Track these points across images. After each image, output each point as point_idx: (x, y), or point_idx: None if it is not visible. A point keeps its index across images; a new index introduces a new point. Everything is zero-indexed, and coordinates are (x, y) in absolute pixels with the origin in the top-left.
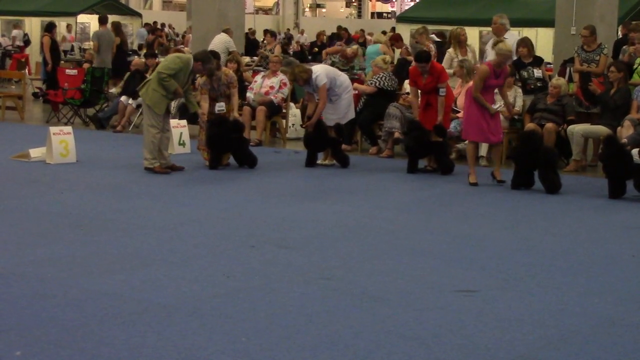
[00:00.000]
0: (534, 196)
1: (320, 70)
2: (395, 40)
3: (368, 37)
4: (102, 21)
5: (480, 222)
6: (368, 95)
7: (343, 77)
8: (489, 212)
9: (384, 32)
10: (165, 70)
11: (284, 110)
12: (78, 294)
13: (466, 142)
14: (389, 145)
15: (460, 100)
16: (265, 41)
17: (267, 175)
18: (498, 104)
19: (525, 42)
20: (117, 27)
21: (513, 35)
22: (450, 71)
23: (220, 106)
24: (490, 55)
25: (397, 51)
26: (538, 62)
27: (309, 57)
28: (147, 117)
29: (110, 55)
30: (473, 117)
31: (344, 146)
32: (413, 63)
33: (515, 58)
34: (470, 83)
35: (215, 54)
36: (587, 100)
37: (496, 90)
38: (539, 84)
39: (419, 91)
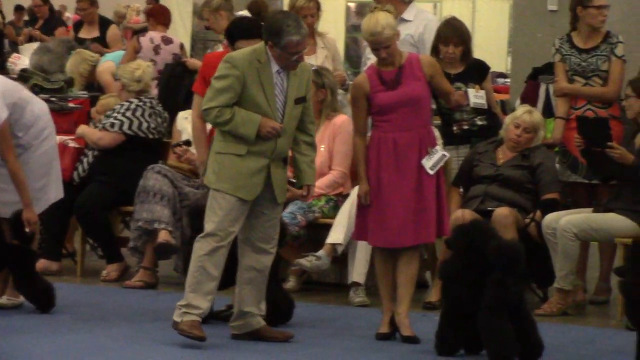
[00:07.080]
0: None
1: None
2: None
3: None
4: None
5: None
6: (102, 149)
7: (38, 107)
8: None
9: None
10: None
11: None
12: None
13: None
14: (144, 262)
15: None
16: None
17: None
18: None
19: (451, 29)
20: None
21: (423, 13)
22: None
23: None
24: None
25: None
26: (478, 71)
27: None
28: None
29: None
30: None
31: (44, 264)
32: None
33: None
34: (337, 118)
35: None
36: (590, 160)
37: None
38: (478, 122)
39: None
